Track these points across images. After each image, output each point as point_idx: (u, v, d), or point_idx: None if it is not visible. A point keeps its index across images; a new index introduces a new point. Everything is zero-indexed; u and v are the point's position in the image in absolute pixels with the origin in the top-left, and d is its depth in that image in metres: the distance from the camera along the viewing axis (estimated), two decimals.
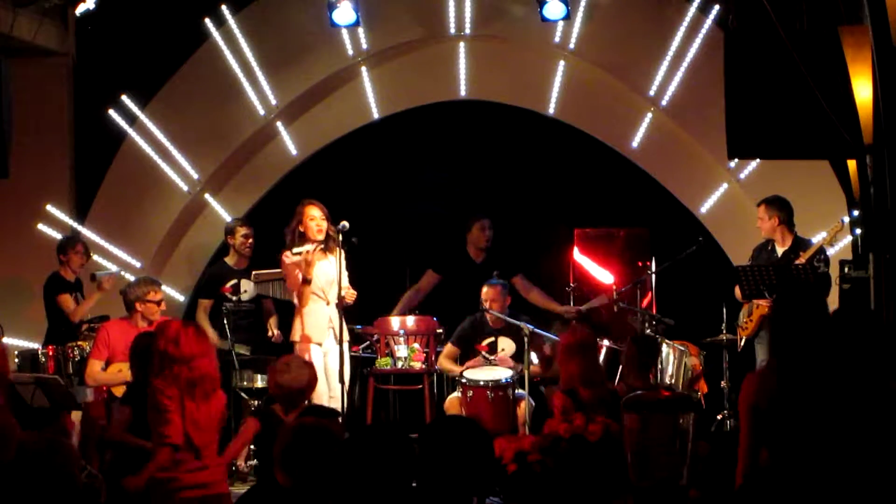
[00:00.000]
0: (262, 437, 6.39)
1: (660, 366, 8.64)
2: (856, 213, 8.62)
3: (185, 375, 6.02)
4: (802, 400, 4.26)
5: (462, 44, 10.72)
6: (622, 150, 10.58)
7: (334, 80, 10.85)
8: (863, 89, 6.97)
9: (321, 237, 8.59)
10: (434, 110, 10.88)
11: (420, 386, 9.45)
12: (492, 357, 9.16)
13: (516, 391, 8.96)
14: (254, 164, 11.05)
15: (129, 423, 6.74)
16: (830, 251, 9.16)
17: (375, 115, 10.86)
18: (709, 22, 10.19)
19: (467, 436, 3.96)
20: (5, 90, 8.39)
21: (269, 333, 9.74)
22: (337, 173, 10.87)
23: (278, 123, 10.90)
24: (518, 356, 9.13)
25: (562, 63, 10.58)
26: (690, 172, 10.56)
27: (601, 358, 8.94)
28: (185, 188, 10.87)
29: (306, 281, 8.52)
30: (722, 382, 9.31)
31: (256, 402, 9.15)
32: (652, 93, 10.40)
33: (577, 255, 10.23)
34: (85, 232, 10.72)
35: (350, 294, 8.56)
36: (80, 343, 9.28)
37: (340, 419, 7.87)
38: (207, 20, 10.67)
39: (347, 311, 8.66)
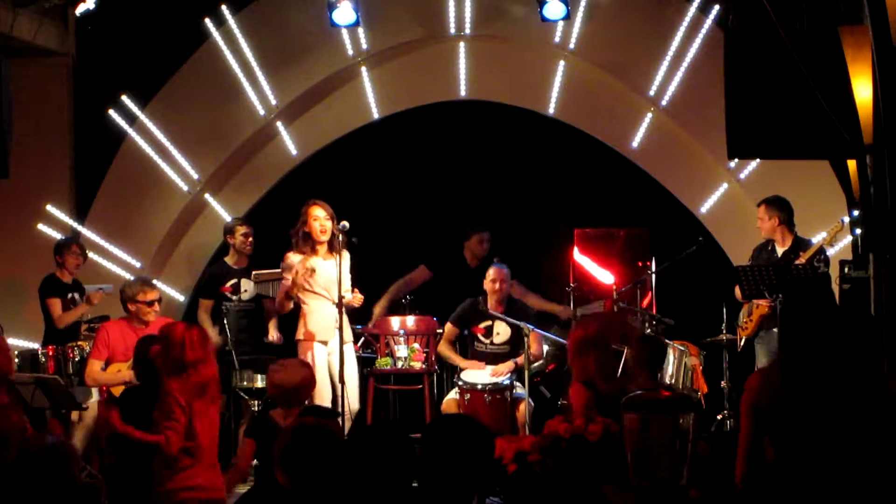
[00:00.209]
0: (262, 440, 6.40)
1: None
2: (856, 213, 8.61)
3: (193, 378, 6.03)
4: (810, 398, 4.27)
5: (462, 44, 10.72)
6: (622, 150, 10.59)
7: (334, 80, 10.85)
8: (863, 89, 6.97)
9: (325, 238, 8.59)
10: (434, 110, 10.88)
11: (420, 386, 9.46)
12: (487, 341, 9.26)
13: (515, 392, 8.98)
14: (254, 164, 11.05)
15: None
16: (830, 251, 9.16)
17: (375, 115, 10.87)
18: (709, 22, 10.19)
19: (468, 435, 3.96)
20: (5, 90, 8.38)
21: (269, 336, 9.73)
22: (337, 173, 10.87)
23: (278, 123, 10.90)
24: (513, 340, 9.23)
25: (562, 63, 10.58)
26: (690, 172, 10.56)
27: None
28: (185, 188, 10.87)
29: (289, 297, 8.55)
30: (722, 382, 9.31)
31: (256, 402, 9.16)
32: (652, 93, 10.40)
33: (577, 255, 10.22)
34: (85, 232, 10.73)
35: (357, 298, 8.56)
36: (80, 343, 9.29)
37: (341, 420, 7.90)
38: (207, 20, 10.68)
39: (348, 312, 8.66)
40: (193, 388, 6.06)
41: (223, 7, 10.66)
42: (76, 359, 9.11)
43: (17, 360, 9.08)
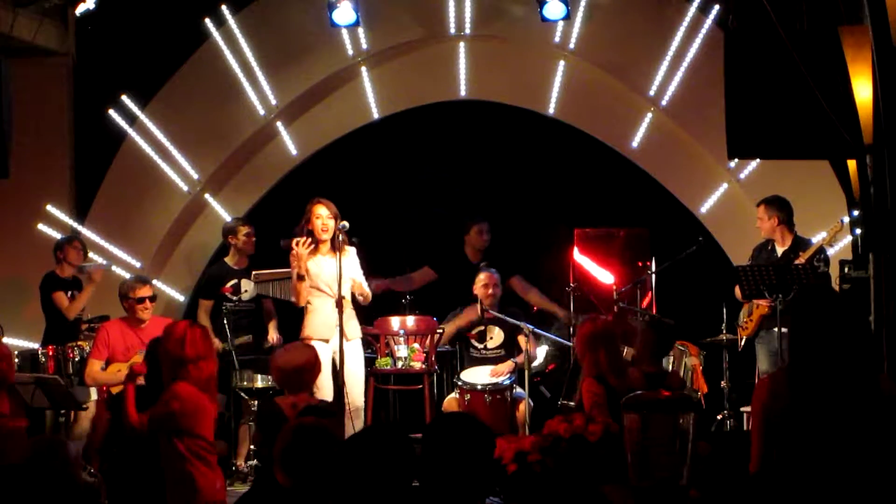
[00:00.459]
0: (267, 428, 6.37)
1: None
2: (856, 213, 8.61)
3: (195, 376, 6.03)
4: (818, 402, 4.28)
5: (462, 44, 10.72)
6: (622, 150, 10.59)
7: (334, 80, 10.85)
8: (863, 89, 6.96)
9: (327, 236, 8.59)
10: (434, 110, 10.89)
11: (420, 386, 9.46)
12: (481, 346, 9.33)
13: (515, 391, 8.99)
14: (254, 164, 11.06)
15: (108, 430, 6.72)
16: (830, 251, 9.16)
17: (375, 115, 10.87)
18: (709, 22, 10.19)
19: (470, 433, 3.96)
20: (5, 90, 8.38)
21: (269, 338, 9.72)
22: (337, 173, 10.87)
23: (278, 123, 10.90)
24: (507, 344, 9.30)
25: (562, 63, 10.58)
26: (690, 172, 10.56)
27: None
28: (185, 188, 10.87)
29: (300, 277, 8.52)
30: (722, 382, 9.31)
31: (257, 402, 9.17)
32: (652, 93, 10.41)
33: (577, 255, 10.23)
34: (85, 232, 10.73)
35: (357, 286, 8.53)
36: (80, 343, 9.29)
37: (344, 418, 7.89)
38: (207, 20, 10.68)
39: (358, 309, 8.68)
40: (195, 385, 6.05)
41: (223, 7, 10.66)
42: (76, 359, 9.12)
43: (17, 360, 9.11)
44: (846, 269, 8.76)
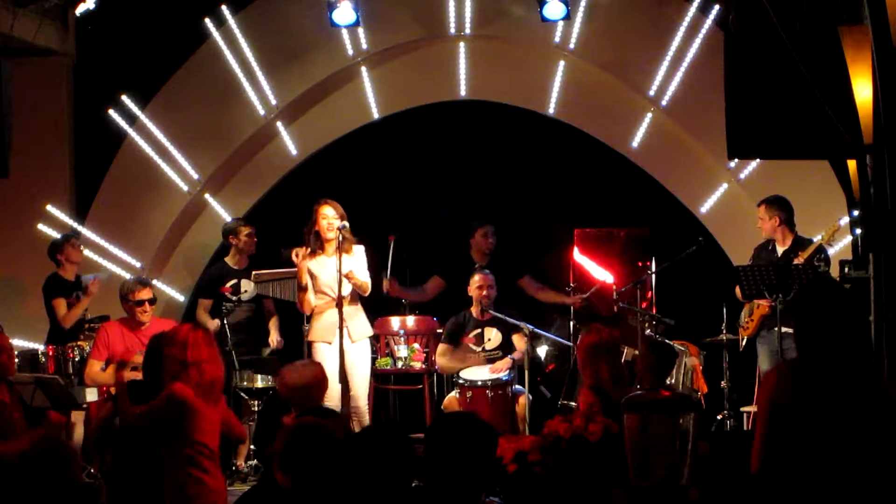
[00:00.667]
0: (266, 440, 6.38)
1: None
2: (856, 213, 8.61)
3: (195, 380, 5.99)
4: (824, 396, 4.29)
5: (462, 44, 10.72)
6: (622, 150, 10.59)
7: (334, 80, 10.85)
8: (863, 89, 6.96)
9: (332, 236, 8.60)
10: (434, 110, 10.88)
11: (420, 386, 9.46)
12: (478, 349, 9.28)
13: (515, 387, 9.02)
14: (254, 164, 11.05)
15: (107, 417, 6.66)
16: (831, 250, 9.16)
17: (375, 115, 10.87)
18: (709, 22, 10.19)
19: (472, 432, 3.95)
20: (5, 90, 8.39)
21: (270, 340, 9.71)
22: (337, 173, 10.87)
23: (278, 123, 10.90)
24: (505, 345, 9.29)
25: (562, 63, 10.58)
26: (690, 172, 10.56)
27: None
28: (185, 188, 10.87)
29: (302, 288, 8.53)
30: (722, 382, 9.31)
31: (257, 403, 9.17)
32: (652, 93, 10.41)
33: (577, 255, 10.23)
34: (85, 232, 10.73)
35: (356, 280, 8.50)
36: (80, 343, 9.28)
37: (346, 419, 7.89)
38: (207, 20, 10.68)
39: (367, 310, 8.70)
40: (196, 388, 6.02)
41: (223, 7, 10.66)
42: (76, 359, 9.11)
43: (17, 360, 9.11)
44: (846, 269, 8.76)
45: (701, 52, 10.18)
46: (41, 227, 10.65)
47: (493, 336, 9.34)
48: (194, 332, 6.16)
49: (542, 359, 9.84)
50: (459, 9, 10.54)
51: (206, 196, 10.95)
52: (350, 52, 10.69)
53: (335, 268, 8.52)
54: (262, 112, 10.79)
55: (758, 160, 9.93)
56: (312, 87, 10.83)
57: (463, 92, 10.77)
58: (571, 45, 10.48)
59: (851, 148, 7.18)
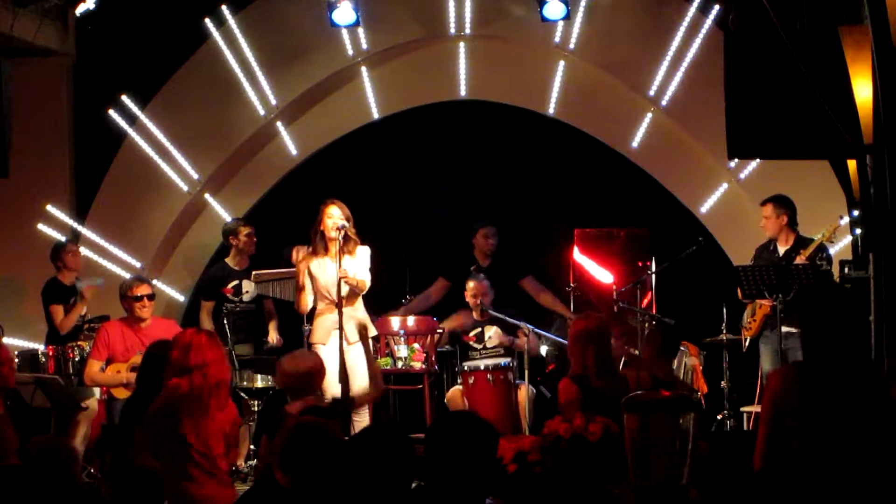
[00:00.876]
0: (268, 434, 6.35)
1: None
2: (856, 213, 8.61)
3: (198, 383, 5.95)
4: (830, 396, 4.30)
5: (462, 44, 10.72)
6: (622, 150, 10.58)
7: (334, 80, 10.85)
8: (863, 89, 6.96)
9: (335, 236, 8.60)
10: (434, 110, 10.88)
11: (420, 386, 9.46)
12: (479, 346, 9.44)
13: (515, 379, 9.08)
14: (254, 164, 11.05)
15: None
16: (832, 249, 9.16)
17: (375, 115, 10.87)
18: (709, 22, 10.19)
19: (474, 432, 3.95)
20: (5, 90, 8.39)
21: (269, 339, 9.71)
22: (337, 173, 10.87)
23: (278, 123, 10.90)
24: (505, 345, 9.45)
25: (562, 63, 10.58)
26: (690, 172, 10.56)
27: None
28: (185, 188, 10.87)
29: (298, 287, 8.52)
30: (722, 382, 9.30)
31: (257, 403, 9.16)
32: (652, 93, 10.40)
33: (577, 255, 10.22)
34: (85, 232, 10.73)
35: (342, 271, 8.47)
36: (80, 343, 9.28)
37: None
38: (207, 20, 10.68)
39: (371, 311, 8.71)
40: (199, 391, 5.98)
41: (223, 7, 10.66)
42: (76, 359, 9.11)
43: (17, 360, 9.11)
44: (846, 269, 8.76)
45: (701, 52, 10.18)
46: (41, 227, 10.65)
47: (493, 334, 9.41)
48: (197, 335, 6.14)
49: (543, 359, 9.85)
50: (459, 9, 10.54)
51: (206, 196, 10.95)
52: (350, 52, 10.68)
53: (335, 270, 8.52)
54: (262, 112, 10.79)
55: (758, 160, 9.93)
56: (312, 87, 10.83)
57: (463, 92, 10.77)
58: (571, 45, 10.48)
59: (851, 148, 7.18)
